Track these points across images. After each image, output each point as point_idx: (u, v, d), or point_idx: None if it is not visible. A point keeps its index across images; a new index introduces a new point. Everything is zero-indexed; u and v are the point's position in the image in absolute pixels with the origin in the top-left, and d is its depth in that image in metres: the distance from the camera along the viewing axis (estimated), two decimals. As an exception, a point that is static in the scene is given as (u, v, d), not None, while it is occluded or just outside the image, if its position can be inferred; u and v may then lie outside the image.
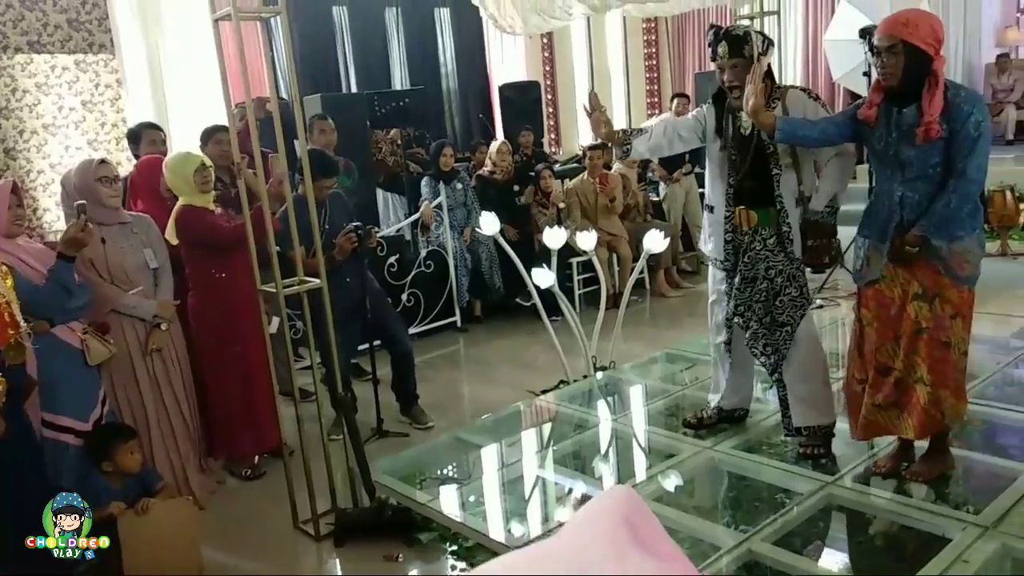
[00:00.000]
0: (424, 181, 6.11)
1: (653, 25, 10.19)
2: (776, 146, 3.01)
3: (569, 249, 5.05)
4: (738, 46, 3.00)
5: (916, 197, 2.73)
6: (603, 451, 3.70)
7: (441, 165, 6.00)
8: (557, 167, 7.36)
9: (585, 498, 3.16)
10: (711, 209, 3.31)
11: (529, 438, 3.85)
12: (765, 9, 5.43)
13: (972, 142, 2.63)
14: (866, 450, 3.22)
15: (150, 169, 3.86)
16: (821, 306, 5.37)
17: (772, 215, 3.10)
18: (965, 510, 2.74)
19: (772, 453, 3.34)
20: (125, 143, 5.00)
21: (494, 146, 6.63)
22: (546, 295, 4.40)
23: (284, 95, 6.52)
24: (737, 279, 3.22)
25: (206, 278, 3.66)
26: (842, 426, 3.20)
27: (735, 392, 3.50)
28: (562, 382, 4.45)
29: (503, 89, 8.68)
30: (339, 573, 3.05)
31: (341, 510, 3.20)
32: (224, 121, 3.61)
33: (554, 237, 4.37)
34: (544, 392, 4.36)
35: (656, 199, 7.17)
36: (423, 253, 5.81)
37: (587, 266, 5.76)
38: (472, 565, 2.85)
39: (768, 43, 3.06)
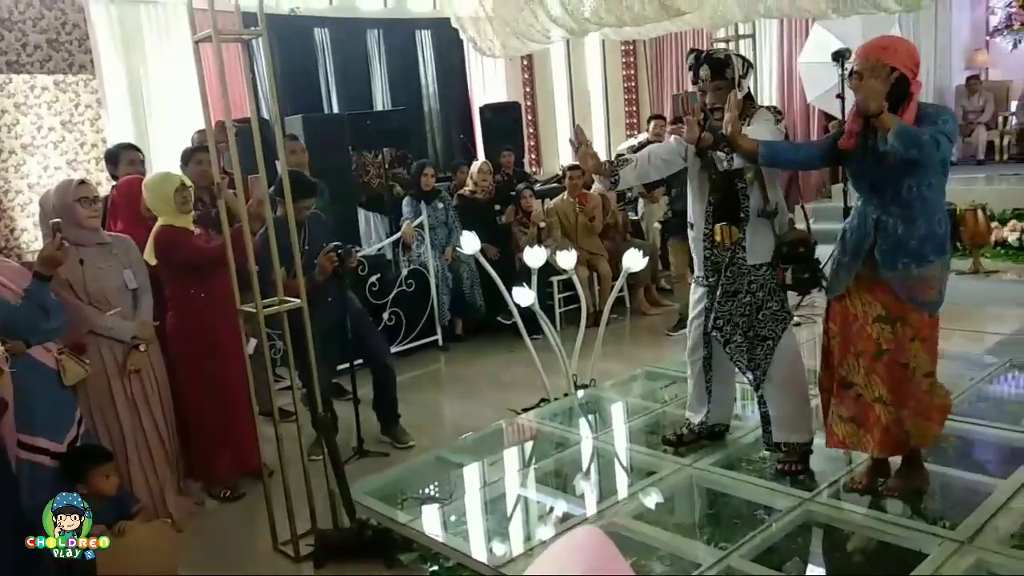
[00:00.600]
0: (405, 201, 6.14)
1: (632, 47, 10.32)
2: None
3: (549, 268, 5.08)
4: (720, 69, 3.08)
5: (891, 221, 2.77)
6: (584, 469, 3.71)
7: (422, 185, 6.04)
8: (537, 187, 7.41)
9: (566, 516, 3.17)
10: (691, 227, 3.37)
11: (510, 457, 3.85)
12: (740, 32, 5.52)
13: (938, 124, 2.62)
14: (844, 466, 3.26)
15: (130, 189, 3.85)
16: (799, 324, 5.41)
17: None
18: (941, 525, 2.77)
19: (751, 470, 3.36)
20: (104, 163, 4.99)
21: (475, 166, 6.70)
22: (527, 313, 4.43)
23: (266, 115, 6.53)
24: (719, 292, 3.26)
25: (185, 298, 3.65)
26: (819, 441, 3.23)
27: (717, 407, 3.53)
28: (543, 400, 4.45)
29: (484, 110, 8.75)
30: (319, 595, 3.02)
31: (321, 531, 3.18)
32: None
33: (534, 256, 4.40)
34: (525, 410, 4.36)
35: (635, 218, 7.25)
36: (404, 272, 5.81)
37: (567, 285, 5.78)
38: (453, 585, 2.83)
39: (748, 66, 3.16)
